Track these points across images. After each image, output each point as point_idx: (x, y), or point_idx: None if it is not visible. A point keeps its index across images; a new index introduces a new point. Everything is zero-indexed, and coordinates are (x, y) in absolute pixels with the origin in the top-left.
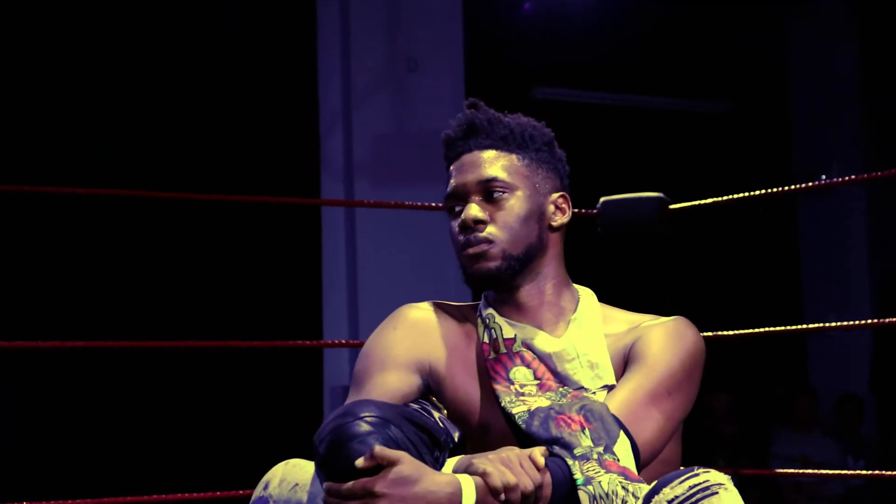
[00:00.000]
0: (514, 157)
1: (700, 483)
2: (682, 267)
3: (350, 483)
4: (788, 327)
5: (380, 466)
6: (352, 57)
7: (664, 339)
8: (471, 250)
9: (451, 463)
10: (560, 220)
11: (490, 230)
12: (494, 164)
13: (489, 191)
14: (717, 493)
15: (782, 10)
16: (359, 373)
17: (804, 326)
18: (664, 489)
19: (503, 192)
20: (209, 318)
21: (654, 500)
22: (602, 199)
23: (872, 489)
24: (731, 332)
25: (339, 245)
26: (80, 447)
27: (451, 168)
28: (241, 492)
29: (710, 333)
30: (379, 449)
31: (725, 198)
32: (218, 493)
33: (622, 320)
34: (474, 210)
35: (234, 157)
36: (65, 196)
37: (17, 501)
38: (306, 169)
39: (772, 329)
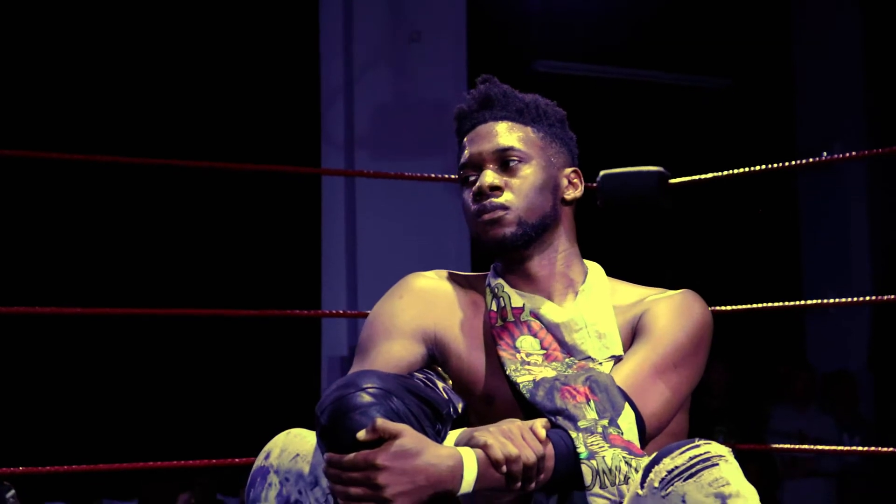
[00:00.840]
0: (528, 129)
1: (700, 454)
2: (682, 241)
3: (351, 455)
4: (787, 303)
5: (381, 439)
6: (354, 28)
7: (671, 312)
8: (486, 216)
9: (452, 435)
10: (572, 193)
11: (506, 197)
12: (510, 134)
13: (505, 160)
14: (717, 464)
15: None
16: (363, 341)
17: (803, 303)
18: (664, 459)
19: (519, 161)
20: (208, 287)
21: (654, 470)
22: (602, 173)
23: (868, 466)
24: (730, 308)
25: (339, 215)
26: (77, 415)
27: (465, 139)
28: (237, 460)
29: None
30: (381, 422)
31: (726, 172)
32: (214, 461)
33: (630, 293)
34: (490, 177)
35: (236, 126)
36: (67, 162)
37: (13, 466)
38: (307, 139)
39: (771, 305)
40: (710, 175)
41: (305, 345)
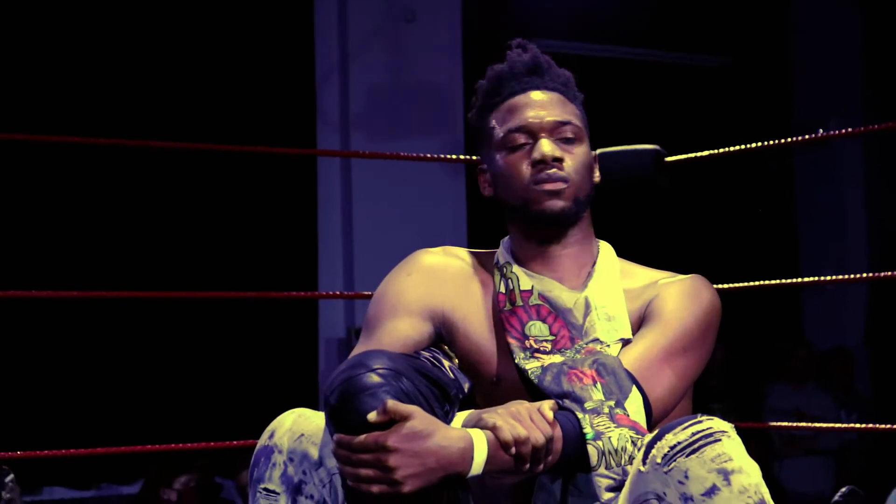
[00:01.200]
0: (573, 105)
1: (703, 430)
2: (679, 220)
3: (362, 436)
4: (784, 280)
5: (392, 420)
6: (349, 7)
7: (680, 296)
8: (548, 186)
9: (460, 417)
10: (597, 176)
11: (567, 170)
12: (566, 107)
13: (562, 134)
14: (719, 440)
15: None
16: (370, 318)
17: (800, 280)
18: (667, 435)
19: (574, 138)
20: (204, 269)
21: (657, 445)
22: (598, 151)
23: (866, 443)
24: (726, 286)
25: (335, 196)
26: (76, 399)
27: (510, 103)
28: (235, 442)
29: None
30: (392, 403)
31: (722, 150)
32: (213, 443)
33: (640, 276)
34: (551, 147)
35: (231, 107)
36: (59, 145)
37: (12, 451)
38: (302, 119)
39: (768, 282)
40: (706, 153)
41: (302, 326)
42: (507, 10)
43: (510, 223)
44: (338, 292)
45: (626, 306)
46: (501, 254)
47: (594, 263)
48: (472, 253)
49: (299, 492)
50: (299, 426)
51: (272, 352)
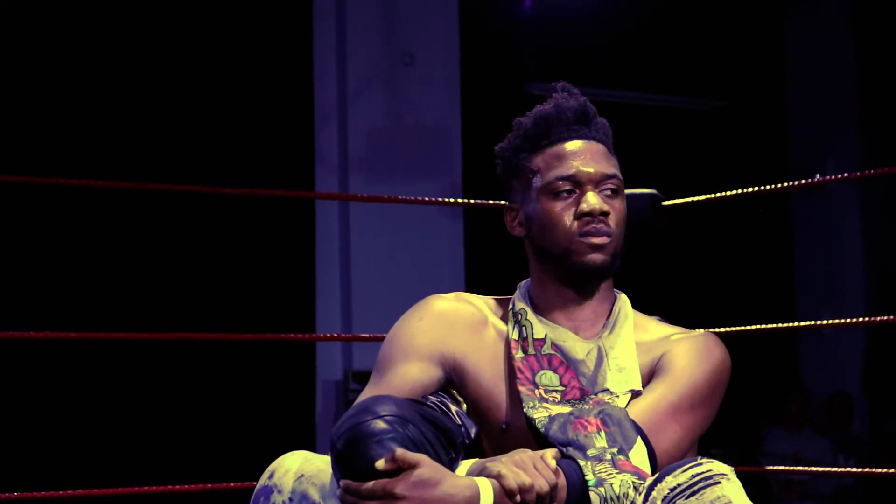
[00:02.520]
0: (615, 158)
1: (703, 472)
2: (676, 263)
3: (370, 483)
4: (781, 325)
5: (400, 469)
6: (347, 50)
7: (692, 353)
8: (595, 239)
9: (465, 465)
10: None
11: (611, 225)
12: (610, 160)
13: (607, 187)
14: (719, 482)
15: (779, 6)
16: (381, 361)
17: (797, 324)
18: (667, 477)
19: (616, 192)
20: (202, 311)
21: (657, 487)
22: None
23: (863, 488)
24: (723, 329)
25: (333, 239)
26: (68, 439)
27: (558, 149)
28: (232, 484)
29: (702, 331)
30: (400, 452)
31: (719, 194)
32: (209, 485)
33: (653, 330)
34: (601, 202)
35: (229, 149)
36: (58, 187)
37: (8, 492)
38: (301, 162)
39: (765, 326)
40: (703, 197)
41: (300, 369)
42: (504, 53)
43: (539, 267)
44: (335, 334)
45: (637, 359)
46: (518, 299)
47: (610, 314)
48: (484, 299)
49: None
50: (300, 467)
51: (270, 394)
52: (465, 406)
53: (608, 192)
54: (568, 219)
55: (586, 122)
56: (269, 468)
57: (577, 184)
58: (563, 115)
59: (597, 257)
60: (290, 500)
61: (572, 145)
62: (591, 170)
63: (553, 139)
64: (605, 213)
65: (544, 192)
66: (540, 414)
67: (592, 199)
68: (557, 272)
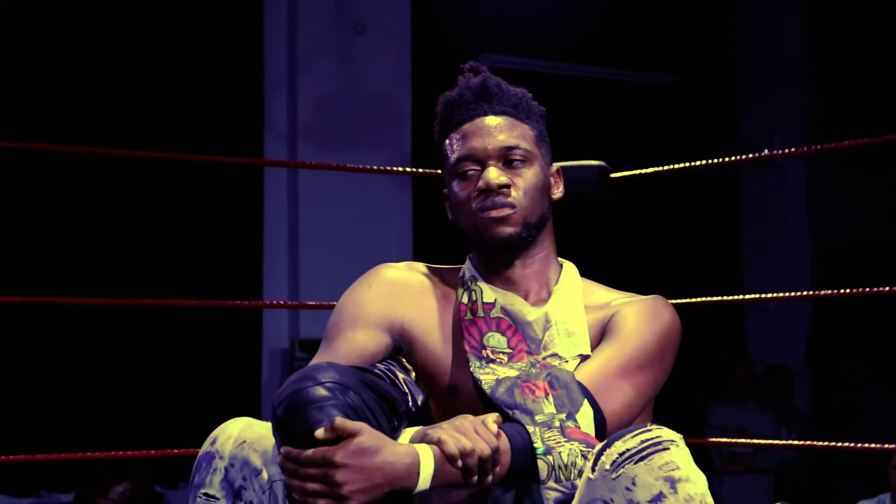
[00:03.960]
0: (525, 126)
1: (652, 438)
2: (623, 235)
3: (310, 451)
4: (726, 297)
5: (339, 437)
6: (298, 19)
7: (640, 315)
8: (493, 213)
9: (408, 433)
10: (557, 193)
11: (513, 196)
12: (513, 131)
13: (510, 158)
14: (668, 448)
15: None
16: (330, 328)
17: (742, 297)
18: (616, 442)
19: (523, 161)
20: (148, 277)
21: (605, 453)
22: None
23: (805, 461)
24: (669, 301)
25: (282, 207)
26: (13, 404)
27: (460, 130)
28: (176, 451)
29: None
30: (340, 421)
31: (667, 167)
32: (153, 451)
33: (601, 295)
34: (497, 174)
35: (178, 115)
36: (2, 151)
37: None
38: (250, 130)
39: (710, 299)
40: (651, 169)
41: (246, 336)
42: (456, 24)
43: (470, 244)
44: (282, 302)
45: (586, 323)
46: (468, 268)
47: (557, 281)
48: (435, 268)
49: (239, 497)
50: (242, 433)
51: (215, 361)
52: (413, 374)
53: (513, 164)
54: (470, 197)
55: (487, 98)
56: (212, 435)
57: (478, 161)
58: (463, 96)
59: (502, 230)
60: (232, 465)
61: (472, 125)
62: (489, 145)
63: (456, 121)
64: (505, 186)
65: (453, 175)
66: (487, 376)
67: (488, 174)
68: (478, 249)
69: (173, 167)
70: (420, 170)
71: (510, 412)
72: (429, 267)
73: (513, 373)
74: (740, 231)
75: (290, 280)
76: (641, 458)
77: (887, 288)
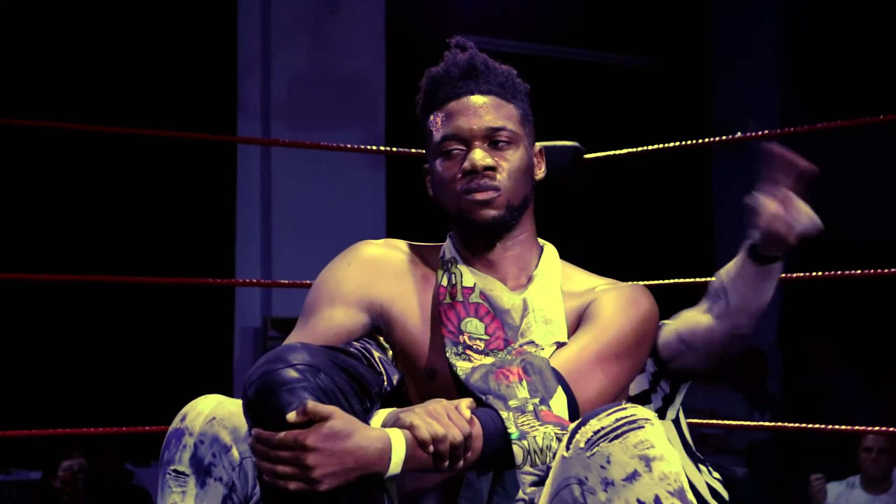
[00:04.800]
0: (511, 106)
1: (627, 416)
2: (597, 216)
3: (282, 434)
4: (699, 279)
5: (311, 420)
6: None
7: (619, 302)
8: (478, 196)
9: (381, 415)
10: (540, 174)
11: (498, 178)
12: (499, 112)
13: (495, 139)
14: (643, 426)
15: None
16: (308, 305)
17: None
18: (591, 421)
19: (508, 143)
20: (120, 253)
21: (580, 431)
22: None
23: (776, 443)
24: (642, 283)
25: (255, 185)
26: None
27: (446, 108)
28: (147, 428)
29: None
30: (312, 405)
31: (641, 149)
32: (125, 428)
33: (581, 280)
34: (483, 156)
35: (151, 93)
36: None
37: None
38: (223, 109)
39: (683, 280)
40: (624, 151)
41: (218, 314)
42: (430, 3)
43: (451, 224)
44: (255, 280)
45: (563, 310)
46: (448, 248)
47: (537, 265)
48: (415, 246)
49: (208, 474)
50: (212, 410)
51: (188, 339)
52: (391, 353)
53: (498, 146)
54: (455, 178)
55: (474, 76)
56: (182, 411)
57: (463, 141)
58: (449, 73)
59: (486, 213)
60: (201, 442)
61: (458, 103)
62: (475, 126)
63: (441, 99)
64: (491, 168)
65: (437, 153)
66: (462, 363)
67: (474, 156)
68: (459, 229)
69: (146, 144)
70: (394, 149)
71: (484, 398)
72: (409, 245)
73: (489, 360)
74: (713, 213)
75: (263, 259)
76: (616, 437)
77: (858, 271)
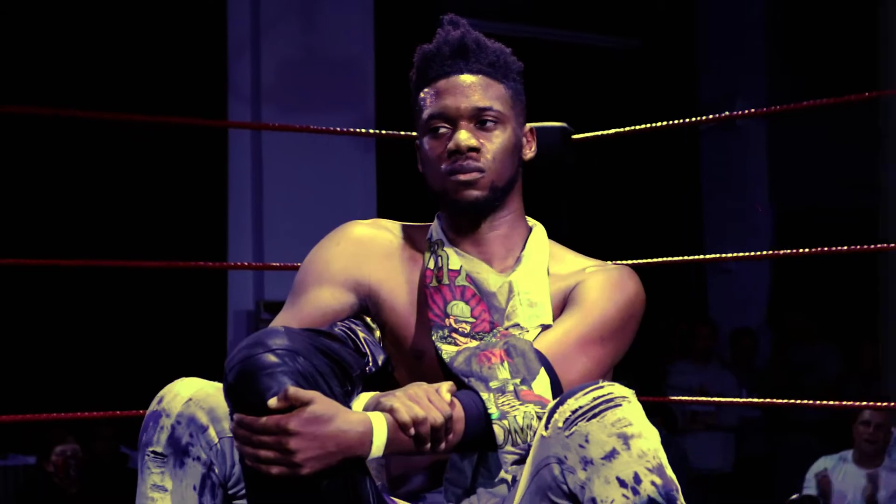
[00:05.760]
0: (501, 86)
1: (604, 395)
2: (586, 197)
3: (264, 419)
4: (687, 258)
5: (293, 406)
6: None
7: (605, 285)
8: (462, 177)
9: (363, 398)
10: (529, 154)
11: (482, 159)
12: (487, 92)
13: (482, 119)
14: (620, 405)
15: None
16: (296, 285)
17: (701, 257)
18: (569, 400)
19: (495, 123)
20: (113, 238)
21: (558, 410)
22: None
23: (766, 420)
24: (631, 262)
25: (246, 169)
26: None
27: (435, 86)
28: (141, 412)
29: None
30: (293, 390)
31: (629, 129)
32: (118, 412)
33: (569, 262)
34: (468, 136)
35: (142, 77)
36: None
37: None
38: (214, 93)
39: (671, 259)
40: (612, 131)
41: (211, 297)
42: None
43: (437, 203)
44: (247, 263)
45: (549, 293)
46: (435, 229)
47: (524, 247)
48: (403, 226)
49: (187, 454)
50: (188, 391)
51: (181, 322)
52: (378, 333)
53: (485, 126)
54: (440, 157)
55: (464, 55)
56: (159, 394)
57: (450, 120)
58: (441, 51)
59: (469, 194)
60: (178, 423)
61: (447, 82)
62: (461, 105)
63: (431, 76)
64: (475, 149)
65: (425, 131)
66: (448, 346)
67: (459, 136)
68: (445, 208)
69: (137, 129)
70: (383, 132)
71: (466, 380)
72: (397, 225)
73: (474, 343)
74: (701, 193)
75: (255, 242)
76: (594, 416)
77: (845, 248)
